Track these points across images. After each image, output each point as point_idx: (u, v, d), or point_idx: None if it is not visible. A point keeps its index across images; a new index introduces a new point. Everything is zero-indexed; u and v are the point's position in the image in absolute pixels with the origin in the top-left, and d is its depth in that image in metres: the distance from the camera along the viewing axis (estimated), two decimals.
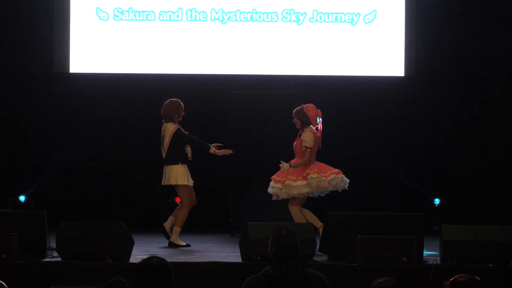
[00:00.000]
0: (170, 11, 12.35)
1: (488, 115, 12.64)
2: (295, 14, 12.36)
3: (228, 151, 10.26)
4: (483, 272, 7.74)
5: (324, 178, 9.73)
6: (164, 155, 10.03)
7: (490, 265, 8.13)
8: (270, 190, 9.96)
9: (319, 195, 9.95)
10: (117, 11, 12.36)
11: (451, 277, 4.99)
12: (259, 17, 12.36)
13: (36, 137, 12.50)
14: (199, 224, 11.69)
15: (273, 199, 9.98)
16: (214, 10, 12.36)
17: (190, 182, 9.99)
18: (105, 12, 12.36)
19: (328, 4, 12.37)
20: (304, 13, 12.35)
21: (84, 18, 12.36)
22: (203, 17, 12.36)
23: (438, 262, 8.23)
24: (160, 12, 12.33)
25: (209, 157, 10.44)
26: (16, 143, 12.56)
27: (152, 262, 4.85)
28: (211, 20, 12.36)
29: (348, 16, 12.36)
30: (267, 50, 12.35)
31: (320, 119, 9.95)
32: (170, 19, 12.34)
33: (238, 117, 11.79)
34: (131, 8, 12.35)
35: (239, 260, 8.32)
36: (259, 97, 11.80)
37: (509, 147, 12.55)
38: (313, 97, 10.39)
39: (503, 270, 8.08)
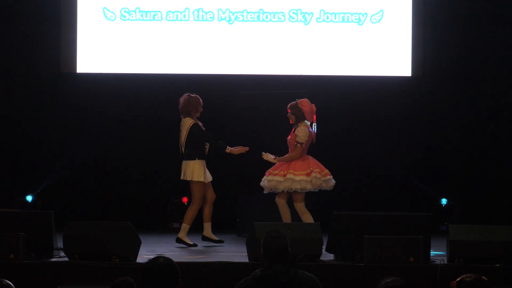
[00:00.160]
0: (177, 11, 12.35)
1: (495, 116, 12.61)
2: (302, 14, 12.35)
3: (244, 149, 10.17)
4: (490, 272, 7.71)
5: (324, 178, 9.77)
6: (181, 150, 9.99)
7: (497, 265, 8.10)
8: (265, 183, 9.89)
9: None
10: (124, 11, 12.37)
11: (458, 277, 4.98)
12: (266, 17, 12.35)
13: (43, 137, 12.50)
14: None
15: (264, 192, 9.94)
16: (221, 10, 12.36)
17: (206, 179, 9.91)
18: (112, 12, 12.37)
19: (335, 4, 12.36)
20: (311, 13, 12.34)
21: (91, 18, 12.37)
22: (210, 17, 12.35)
23: (445, 262, 8.20)
24: (167, 12, 12.34)
25: (217, 156, 10.43)
26: (23, 143, 12.56)
27: (159, 262, 4.84)
28: (218, 20, 12.36)
29: (355, 16, 12.35)
30: (274, 50, 12.34)
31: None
32: (177, 19, 12.34)
33: (245, 117, 11.77)
34: (138, 8, 12.36)
35: (246, 260, 8.31)
36: (267, 96, 11.78)
37: None
38: (320, 97, 10.39)
39: (510, 270, 8.05)
